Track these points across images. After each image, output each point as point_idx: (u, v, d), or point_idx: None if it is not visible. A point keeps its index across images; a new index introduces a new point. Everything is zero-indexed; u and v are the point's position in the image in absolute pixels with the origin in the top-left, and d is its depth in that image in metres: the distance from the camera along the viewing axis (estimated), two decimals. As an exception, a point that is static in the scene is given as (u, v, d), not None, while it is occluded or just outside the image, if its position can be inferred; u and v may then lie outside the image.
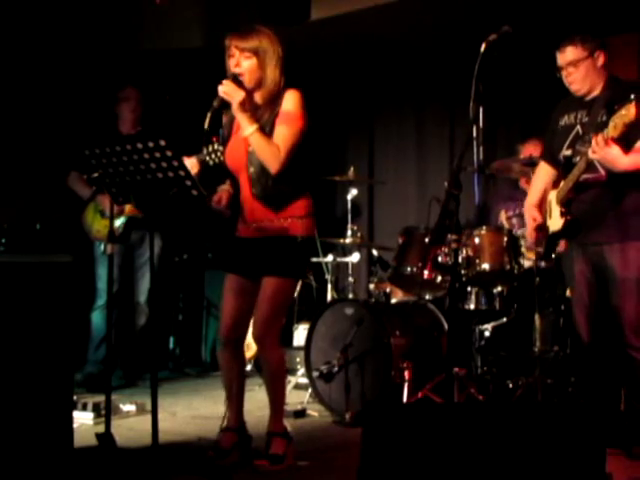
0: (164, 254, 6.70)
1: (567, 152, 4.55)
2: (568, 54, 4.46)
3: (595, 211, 4.43)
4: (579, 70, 4.45)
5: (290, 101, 4.18)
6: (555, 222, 4.61)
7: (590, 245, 4.51)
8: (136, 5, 7.54)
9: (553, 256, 4.91)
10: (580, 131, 4.50)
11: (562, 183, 4.54)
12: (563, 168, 4.57)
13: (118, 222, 6.20)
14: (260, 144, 4.11)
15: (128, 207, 6.11)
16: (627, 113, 3.94)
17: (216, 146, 4.23)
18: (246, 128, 4.11)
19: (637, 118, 4.01)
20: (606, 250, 4.43)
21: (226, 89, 4.11)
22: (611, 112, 4.12)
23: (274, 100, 4.21)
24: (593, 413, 3.11)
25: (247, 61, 4.17)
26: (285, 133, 4.14)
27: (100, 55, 7.45)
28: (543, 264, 5.43)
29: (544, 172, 4.85)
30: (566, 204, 4.49)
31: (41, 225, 6.79)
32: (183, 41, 7.63)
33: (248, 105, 4.16)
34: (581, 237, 4.52)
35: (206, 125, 4.08)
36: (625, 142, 4.19)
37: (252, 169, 4.21)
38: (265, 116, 4.20)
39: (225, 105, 4.17)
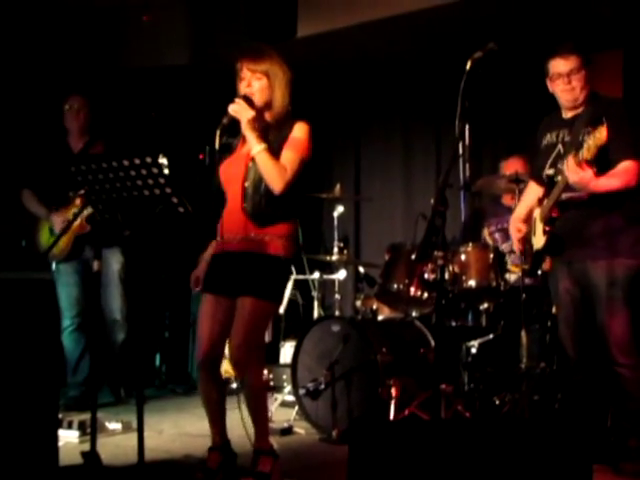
0: (127, 269, 6.42)
1: (549, 171, 4.60)
2: (572, 61, 4.48)
3: (579, 229, 4.46)
4: (580, 79, 4.49)
5: (300, 130, 4.23)
6: (538, 239, 4.63)
7: (575, 263, 4.53)
8: (122, 22, 7.56)
9: (539, 272, 4.93)
10: (562, 150, 4.55)
11: (545, 201, 4.57)
12: (546, 187, 4.61)
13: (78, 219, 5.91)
14: (267, 163, 4.13)
15: (76, 224, 5.90)
16: (599, 136, 4.02)
17: (215, 168, 4.25)
18: (254, 146, 4.14)
19: (608, 140, 4.07)
20: (591, 268, 4.45)
21: (237, 108, 4.15)
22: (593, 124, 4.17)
23: (283, 124, 4.26)
24: (579, 429, 3.11)
25: (258, 82, 4.22)
26: (293, 157, 4.18)
27: (86, 73, 7.44)
28: (528, 281, 5.44)
29: (533, 190, 4.88)
30: (549, 222, 4.51)
31: (27, 242, 6.75)
32: (170, 58, 7.65)
33: (257, 124, 4.19)
34: (566, 255, 4.54)
35: (217, 144, 4.10)
36: (602, 162, 4.26)
37: (248, 183, 4.21)
38: (272, 137, 4.23)
39: (234, 123, 4.20)
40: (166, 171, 3.75)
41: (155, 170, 3.73)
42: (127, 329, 6.42)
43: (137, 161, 3.73)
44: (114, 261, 6.28)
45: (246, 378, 4.26)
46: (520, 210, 4.90)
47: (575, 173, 4.20)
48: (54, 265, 6.28)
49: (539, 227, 4.62)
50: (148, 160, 3.71)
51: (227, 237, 4.28)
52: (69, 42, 7.31)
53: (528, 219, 4.82)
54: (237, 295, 4.20)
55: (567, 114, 4.61)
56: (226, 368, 4.85)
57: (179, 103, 7.94)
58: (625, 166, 4.33)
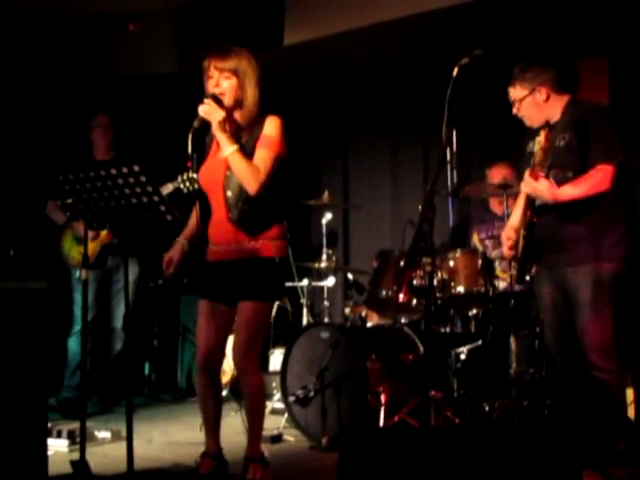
0: (141, 280, 6.70)
1: None
2: (514, 92, 4.55)
3: (554, 234, 4.46)
4: (527, 107, 4.52)
5: (272, 126, 4.19)
6: (520, 246, 4.63)
7: (554, 267, 4.54)
8: (109, 31, 7.57)
9: (527, 278, 4.93)
10: None
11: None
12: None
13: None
14: (240, 164, 4.10)
15: (104, 233, 6.09)
16: (540, 139, 4.10)
17: (190, 174, 4.23)
18: (226, 148, 4.11)
19: (549, 144, 4.14)
20: (569, 272, 4.45)
21: (206, 109, 4.11)
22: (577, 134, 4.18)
23: (254, 122, 4.22)
24: (569, 434, 3.12)
25: (227, 81, 4.17)
26: (265, 156, 4.14)
27: (73, 82, 7.44)
28: (517, 287, 5.45)
29: (524, 196, 4.89)
30: (527, 228, 4.50)
31: (15, 251, 6.75)
32: (156, 67, 7.65)
33: (228, 125, 4.17)
34: (545, 260, 4.55)
35: (189, 148, 4.05)
36: (562, 170, 4.31)
37: (229, 193, 4.20)
38: (245, 137, 4.21)
39: (206, 125, 4.17)
40: (142, 179, 3.74)
41: (143, 178, 3.73)
42: (124, 339, 6.51)
43: (124, 170, 3.73)
44: (130, 271, 6.30)
45: (247, 382, 4.27)
46: (514, 218, 4.87)
47: (527, 185, 4.27)
48: (77, 272, 6.37)
49: (521, 233, 4.62)
50: (135, 169, 3.72)
51: (219, 246, 4.28)
52: (53, 50, 7.31)
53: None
54: (236, 301, 4.22)
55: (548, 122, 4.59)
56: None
57: (166, 111, 7.93)
58: (596, 171, 4.29)
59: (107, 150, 6.67)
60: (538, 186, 4.25)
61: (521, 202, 4.89)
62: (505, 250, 4.80)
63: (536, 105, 4.51)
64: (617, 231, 4.43)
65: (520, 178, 4.71)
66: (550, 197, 4.29)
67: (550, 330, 4.68)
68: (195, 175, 4.27)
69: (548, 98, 4.50)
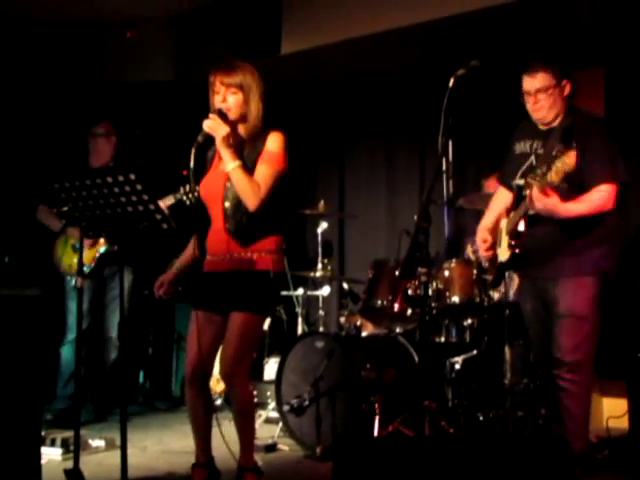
0: (135, 288, 6.64)
1: (520, 181, 4.48)
2: (539, 80, 4.45)
3: (545, 247, 4.44)
4: (548, 98, 4.45)
5: (274, 142, 4.21)
6: (503, 252, 4.61)
7: (538, 280, 4.53)
8: (106, 38, 7.57)
9: (512, 292, 4.90)
10: (534, 162, 4.50)
11: (512, 214, 4.54)
12: (515, 197, 4.56)
13: (102, 249, 6.15)
14: (241, 180, 4.11)
15: (102, 241, 6.08)
16: (569, 161, 3.96)
17: (192, 185, 4.24)
18: (229, 163, 4.12)
19: (584, 163, 4.10)
20: (552, 285, 4.45)
21: (211, 124, 4.13)
22: (566, 144, 4.15)
23: (257, 136, 4.24)
24: (563, 445, 3.12)
25: (233, 96, 4.19)
26: (266, 173, 4.16)
27: (70, 89, 7.44)
28: (512, 297, 5.43)
29: (502, 197, 4.86)
30: (515, 236, 4.45)
31: (9, 258, 6.74)
32: (153, 74, 7.65)
33: (232, 139, 4.18)
34: (530, 271, 4.53)
35: (192, 162, 4.05)
36: (576, 184, 4.27)
37: (228, 204, 4.22)
38: (247, 150, 4.22)
39: (210, 140, 4.19)
40: (139, 187, 3.74)
41: (139, 187, 3.73)
42: (119, 347, 6.43)
43: (120, 178, 3.73)
44: (126, 279, 6.26)
45: (236, 393, 4.27)
46: (488, 219, 4.86)
47: (539, 201, 4.18)
48: (73, 280, 6.25)
49: (505, 239, 4.59)
50: (132, 177, 3.72)
51: (214, 257, 4.29)
52: (50, 58, 7.32)
53: (496, 227, 4.79)
54: (228, 311, 4.22)
55: (541, 125, 4.57)
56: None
57: (163, 119, 7.94)
58: (599, 191, 4.29)
59: (110, 159, 6.54)
60: (549, 202, 4.20)
61: (496, 206, 4.85)
62: (482, 253, 4.78)
63: (560, 98, 4.45)
64: (604, 246, 4.43)
65: (508, 179, 4.67)
66: (559, 213, 4.27)
67: (537, 344, 4.69)
68: (197, 187, 4.27)
69: (568, 95, 4.49)
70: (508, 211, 4.66)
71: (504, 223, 4.66)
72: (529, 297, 4.63)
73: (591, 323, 4.43)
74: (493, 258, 4.70)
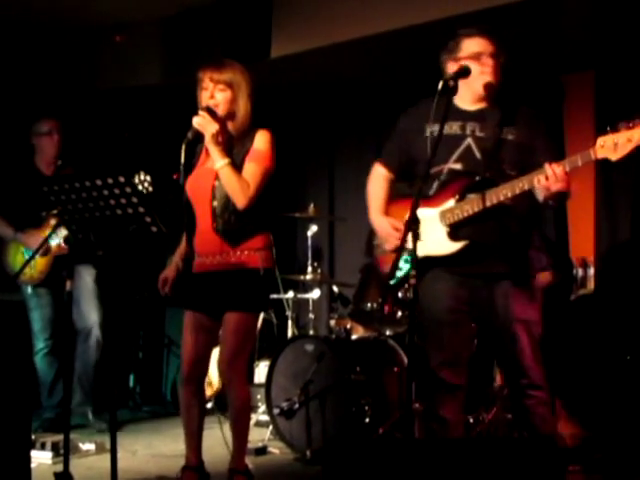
0: (100, 281, 6.27)
1: (456, 165, 4.08)
2: (496, 44, 4.13)
3: (495, 241, 4.03)
4: (499, 62, 4.12)
5: (262, 140, 4.23)
6: (437, 245, 4.06)
7: (474, 278, 4.08)
8: (95, 43, 7.56)
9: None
10: (473, 145, 4.08)
11: (453, 203, 4.04)
12: (441, 181, 4.11)
13: (56, 240, 5.79)
14: (230, 178, 4.13)
15: (54, 246, 5.89)
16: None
17: (142, 176, 4.21)
18: (217, 161, 4.14)
19: (536, 144, 3.97)
20: (497, 287, 4.06)
21: (200, 121, 4.14)
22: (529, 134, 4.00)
23: (245, 134, 4.26)
24: (553, 449, 3.12)
25: (221, 93, 4.21)
26: (255, 171, 4.18)
27: (59, 93, 7.41)
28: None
29: (382, 178, 4.57)
30: (455, 226, 4.03)
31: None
32: (142, 78, 7.64)
33: (221, 136, 4.19)
34: (463, 268, 4.07)
35: (182, 159, 4.06)
36: (511, 167, 4.01)
37: (216, 203, 4.22)
38: (236, 148, 4.23)
39: (199, 137, 4.19)
40: (128, 189, 3.73)
41: (128, 189, 3.73)
42: (102, 347, 6.20)
43: (110, 180, 3.73)
44: (86, 274, 6.20)
45: (234, 393, 4.27)
46: (377, 204, 4.54)
47: (564, 181, 3.74)
48: (29, 289, 6.14)
49: (437, 231, 4.07)
50: (121, 180, 3.71)
51: (204, 257, 4.29)
52: (40, 62, 7.29)
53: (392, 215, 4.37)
54: (221, 313, 4.22)
55: (468, 106, 4.17)
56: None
57: (152, 123, 7.94)
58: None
59: (53, 157, 6.26)
60: (567, 178, 3.77)
61: (380, 184, 4.58)
62: (392, 242, 4.23)
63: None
64: (535, 244, 4.36)
65: (418, 159, 4.25)
66: (568, 195, 3.92)
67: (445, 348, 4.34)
68: (148, 177, 4.25)
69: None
70: (428, 197, 4.10)
71: (429, 212, 4.06)
72: (446, 298, 4.12)
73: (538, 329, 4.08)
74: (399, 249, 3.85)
